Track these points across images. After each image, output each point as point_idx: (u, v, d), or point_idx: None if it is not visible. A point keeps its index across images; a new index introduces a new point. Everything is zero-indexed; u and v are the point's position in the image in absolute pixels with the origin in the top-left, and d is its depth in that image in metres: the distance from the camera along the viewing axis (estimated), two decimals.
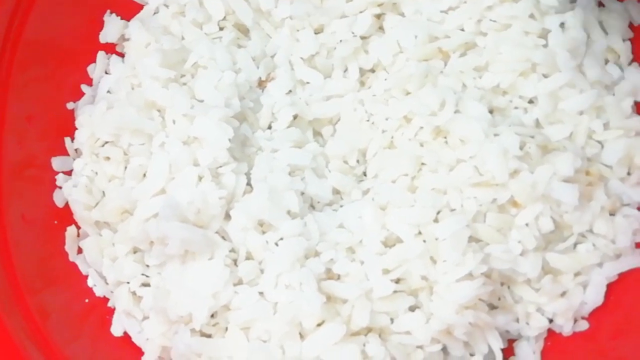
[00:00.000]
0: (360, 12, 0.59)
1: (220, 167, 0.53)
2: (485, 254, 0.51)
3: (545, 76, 0.56)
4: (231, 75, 0.56)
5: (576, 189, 0.52)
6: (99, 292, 0.58)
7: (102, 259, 0.57)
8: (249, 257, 0.53)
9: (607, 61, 0.58)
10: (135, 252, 0.56)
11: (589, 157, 0.56)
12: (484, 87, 0.56)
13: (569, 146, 0.54)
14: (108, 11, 0.61)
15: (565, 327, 0.55)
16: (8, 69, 0.57)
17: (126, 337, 0.56)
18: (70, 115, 0.60)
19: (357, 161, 0.57)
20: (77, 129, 0.59)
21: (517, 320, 0.55)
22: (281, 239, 0.52)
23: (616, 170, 0.56)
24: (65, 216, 0.58)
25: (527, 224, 0.52)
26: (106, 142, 0.58)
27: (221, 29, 0.60)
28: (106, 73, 0.62)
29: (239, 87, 0.56)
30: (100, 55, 0.61)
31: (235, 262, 0.53)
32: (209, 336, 0.53)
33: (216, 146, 0.53)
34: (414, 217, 0.52)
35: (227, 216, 0.53)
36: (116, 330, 0.56)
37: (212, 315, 0.52)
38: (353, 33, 0.58)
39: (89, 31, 0.61)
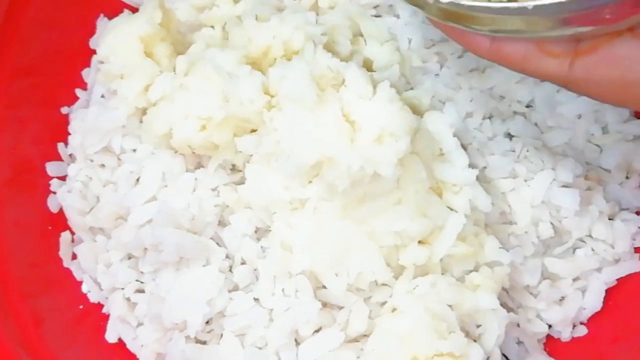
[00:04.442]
0: None
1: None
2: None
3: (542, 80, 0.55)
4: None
5: (577, 194, 0.52)
6: (93, 298, 0.57)
7: (96, 265, 0.56)
8: (244, 264, 0.52)
9: None
10: (129, 258, 0.55)
11: (588, 161, 0.55)
12: (479, 89, 0.55)
13: (569, 151, 0.54)
14: (101, 15, 0.61)
15: (564, 333, 0.55)
16: (2, 72, 0.56)
17: (121, 343, 0.56)
18: (65, 120, 0.60)
19: None
20: (70, 134, 0.59)
21: (518, 325, 0.54)
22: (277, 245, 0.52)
23: (615, 174, 0.55)
24: (60, 222, 0.58)
25: (526, 232, 0.52)
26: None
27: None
28: None
29: None
30: (95, 59, 0.61)
31: (230, 268, 0.52)
32: (204, 343, 0.52)
33: None
34: None
35: (220, 223, 0.53)
36: (111, 336, 0.56)
37: (207, 322, 0.51)
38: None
39: (84, 35, 0.61)
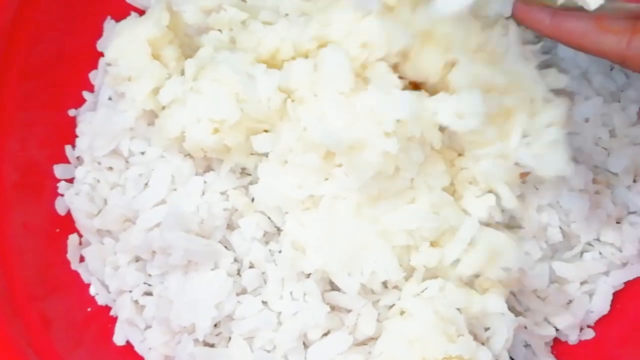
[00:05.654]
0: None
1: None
2: None
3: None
4: None
5: (586, 199, 0.52)
6: (101, 300, 0.57)
7: (104, 268, 0.56)
8: (252, 267, 0.52)
9: (612, 67, 0.57)
10: (137, 260, 0.55)
11: (596, 165, 0.55)
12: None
13: (579, 157, 0.54)
14: (108, 17, 0.61)
15: (571, 336, 0.55)
16: (10, 75, 0.56)
17: (128, 346, 0.56)
18: (73, 122, 0.60)
19: None
20: (77, 136, 0.59)
21: (525, 328, 0.55)
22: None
23: (622, 177, 0.55)
24: (67, 224, 0.58)
25: (534, 236, 0.52)
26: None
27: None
28: None
29: None
30: (102, 61, 0.61)
31: (238, 271, 0.52)
32: (212, 346, 0.52)
33: None
34: None
35: (229, 226, 0.53)
36: (118, 339, 0.56)
37: (215, 325, 0.51)
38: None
39: (91, 37, 0.61)
